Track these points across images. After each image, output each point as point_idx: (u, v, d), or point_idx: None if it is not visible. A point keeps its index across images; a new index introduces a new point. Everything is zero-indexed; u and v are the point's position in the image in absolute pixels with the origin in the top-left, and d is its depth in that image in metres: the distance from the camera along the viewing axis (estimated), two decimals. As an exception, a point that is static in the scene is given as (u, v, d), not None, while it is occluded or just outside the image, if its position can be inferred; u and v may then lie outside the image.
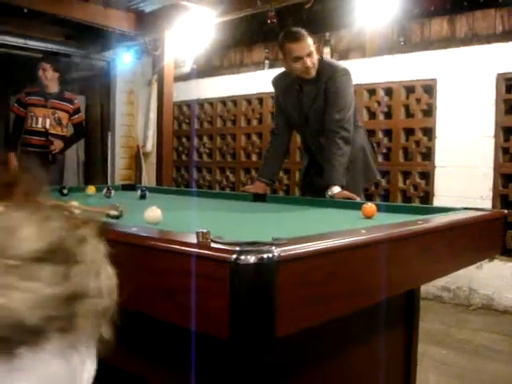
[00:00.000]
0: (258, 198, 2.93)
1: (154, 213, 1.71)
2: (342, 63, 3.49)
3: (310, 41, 3.15)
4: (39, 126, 5.05)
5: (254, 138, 6.32)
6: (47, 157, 4.97)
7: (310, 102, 3.27)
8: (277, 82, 3.52)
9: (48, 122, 5.10)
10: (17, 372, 0.51)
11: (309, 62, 3.14)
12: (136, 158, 7.22)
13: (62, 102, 5.20)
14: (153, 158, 6.75)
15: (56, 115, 5.13)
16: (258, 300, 0.95)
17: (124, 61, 6.90)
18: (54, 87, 5.20)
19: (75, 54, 6.73)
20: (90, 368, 0.59)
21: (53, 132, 5.08)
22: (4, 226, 0.54)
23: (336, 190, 2.98)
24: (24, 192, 0.61)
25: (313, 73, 3.20)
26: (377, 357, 1.85)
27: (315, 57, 3.18)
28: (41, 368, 0.53)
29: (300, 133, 3.60)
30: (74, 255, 0.56)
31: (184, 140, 7.11)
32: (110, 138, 7.15)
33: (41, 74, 5.11)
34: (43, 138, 5.00)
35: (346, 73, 3.25)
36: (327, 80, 3.19)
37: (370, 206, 2.11)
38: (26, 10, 5.27)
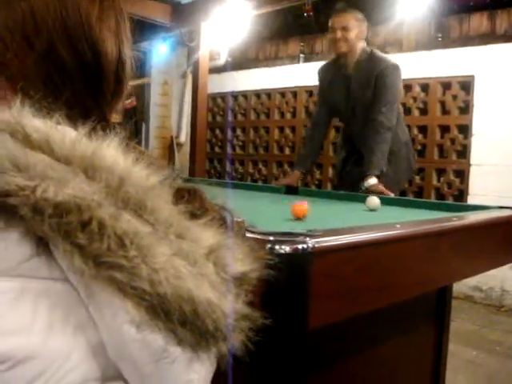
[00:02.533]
0: (291, 190, 2.93)
1: None
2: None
3: (350, 17, 3.22)
4: None
5: (288, 131, 6.31)
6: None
7: (358, 94, 3.28)
8: (323, 71, 3.55)
9: None
10: (196, 363, 0.62)
11: (339, 34, 3.19)
12: (169, 149, 7.27)
13: None
14: (186, 149, 6.78)
15: None
16: (291, 291, 0.95)
17: (159, 52, 6.94)
18: None
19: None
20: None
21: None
22: (228, 245, 0.67)
23: (372, 181, 3.00)
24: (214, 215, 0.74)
25: (342, 48, 3.23)
26: (406, 354, 1.84)
27: (351, 34, 3.20)
28: (205, 365, 0.64)
29: (345, 122, 3.58)
30: (249, 284, 0.69)
31: (217, 132, 7.14)
32: (144, 128, 7.20)
33: None
34: None
35: (396, 67, 3.27)
36: (378, 74, 3.21)
37: (300, 205, 1.76)
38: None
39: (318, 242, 0.99)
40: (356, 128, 3.41)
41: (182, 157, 7.09)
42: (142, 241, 0.58)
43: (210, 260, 0.63)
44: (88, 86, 0.74)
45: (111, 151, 0.62)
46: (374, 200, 2.18)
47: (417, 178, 5.07)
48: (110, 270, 0.57)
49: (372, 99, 3.22)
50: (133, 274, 0.57)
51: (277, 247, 0.94)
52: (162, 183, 0.65)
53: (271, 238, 0.96)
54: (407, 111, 5.18)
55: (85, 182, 0.58)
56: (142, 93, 7.25)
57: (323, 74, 3.54)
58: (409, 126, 4.99)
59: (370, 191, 2.87)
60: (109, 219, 0.57)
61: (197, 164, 5.78)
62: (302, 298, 0.96)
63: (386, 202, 2.42)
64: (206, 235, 0.65)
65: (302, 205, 1.76)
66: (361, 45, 3.28)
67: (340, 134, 3.82)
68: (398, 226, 1.33)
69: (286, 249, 0.94)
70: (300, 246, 0.95)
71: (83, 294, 0.61)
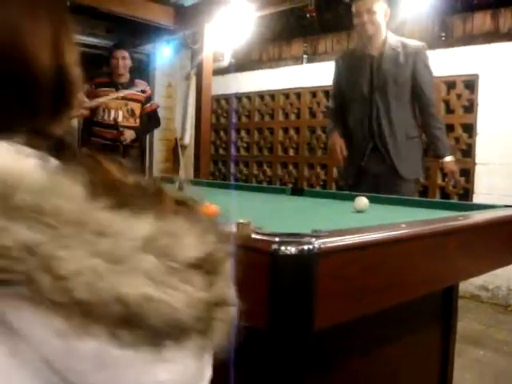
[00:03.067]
0: (296, 192, 2.93)
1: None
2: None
3: (374, 1, 3.26)
4: (110, 118, 4.79)
5: (292, 132, 6.31)
6: (118, 149, 4.77)
7: (390, 73, 3.29)
8: (341, 60, 3.56)
9: (120, 114, 4.84)
10: (162, 363, 0.57)
11: (366, 17, 3.24)
12: (174, 151, 7.27)
13: (133, 92, 4.96)
14: (190, 151, 6.79)
15: (129, 106, 4.88)
16: (297, 291, 0.95)
17: (163, 54, 6.96)
18: (125, 77, 4.98)
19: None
20: (208, 374, 0.65)
21: (125, 124, 4.85)
22: (171, 231, 0.60)
23: (448, 158, 3.33)
24: (174, 199, 0.68)
25: (370, 30, 3.27)
26: (413, 354, 1.84)
27: (377, 18, 3.26)
28: (181, 363, 0.59)
29: (362, 108, 3.42)
30: (219, 267, 0.62)
31: (222, 134, 7.15)
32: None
33: (119, 63, 4.87)
34: (114, 131, 4.77)
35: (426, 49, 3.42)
36: (416, 55, 3.30)
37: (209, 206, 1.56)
38: (67, 4, 5.31)
39: (323, 243, 0.99)
40: (384, 110, 3.34)
41: (187, 159, 7.10)
42: (42, 249, 0.53)
43: (149, 251, 0.57)
44: (17, 98, 0.69)
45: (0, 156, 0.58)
46: (362, 200, 2.06)
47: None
48: (13, 288, 0.52)
49: (410, 79, 3.28)
50: (39, 287, 0.52)
51: (282, 248, 0.94)
52: (64, 180, 0.59)
53: (277, 239, 0.96)
54: (411, 111, 5.17)
55: None
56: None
57: (341, 62, 3.53)
58: (413, 126, 4.99)
59: (446, 168, 3.34)
60: None
61: (201, 166, 5.78)
62: (308, 298, 0.96)
63: (391, 201, 2.42)
64: (138, 225, 0.59)
65: (210, 207, 1.49)
66: (385, 25, 3.33)
67: (350, 127, 3.55)
68: (403, 225, 1.33)
69: (292, 250, 0.94)
70: (306, 247, 0.95)
71: None
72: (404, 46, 3.30)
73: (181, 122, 7.31)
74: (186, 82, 7.27)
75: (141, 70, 7.16)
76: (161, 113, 7.09)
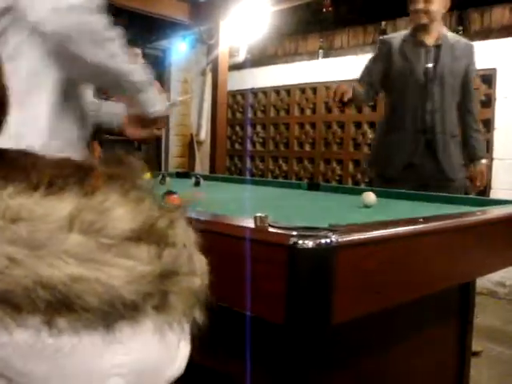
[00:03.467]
0: (312, 186, 2.92)
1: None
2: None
3: None
4: None
5: (308, 127, 6.29)
6: (133, 143, 4.87)
7: (448, 65, 3.20)
8: (392, 41, 3.36)
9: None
10: (116, 345, 0.54)
11: (421, 5, 3.12)
12: (189, 146, 7.29)
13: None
14: (206, 147, 6.80)
15: None
16: (315, 285, 0.95)
17: (179, 50, 6.97)
18: None
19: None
20: (183, 349, 0.62)
21: None
22: (98, 206, 0.57)
23: (484, 161, 3.29)
24: (108, 175, 0.64)
25: (423, 19, 3.15)
26: (429, 350, 1.83)
27: (433, 6, 3.13)
28: (139, 342, 0.56)
29: (413, 101, 3.21)
30: (166, 237, 0.59)
31: (238, 129, 7.15)
32: (164, 126, 7.23)
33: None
34: None
35: None
36: (470, 53, 3.26)
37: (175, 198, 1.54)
38: None
39: (341, 237, 0.99)
40: (439, 103, 3.19)
41: (203, 154, 7.11)
42: None
43: (74, 229, 0.54)
44: None
45: None
46: (369, 196, 2.01)
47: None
48: None
49: (463, 76, 3.22)
50: None
51: (300, 242, 0.94)
52: None
53: (294, 233, 0.97)
54: (428, 105, 5.13)
55: None
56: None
57: (390, 45, 3.32)
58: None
59: (476, 171, 3.25)
60: None
61: (217, 161, 5.78)
62: (326, 292, 0.96)
63: (409, 196, 2.41)
64: (58, 206, 0.55)
65: (174, 200, 1.50)
66: (441, 17, 3.25)
67: (399, 115, 3.29)
68: (420, 220, 1.33)
69: (310, 244, 0.94)
70: (323, 241, 0.95)
71: None
72: (458, 41, 3.25)
73: (196, 117, 7.32)
74: (202, 77, 7.28)
75: (156, 66, 7.18)
76: (176, 108, 7.12)
